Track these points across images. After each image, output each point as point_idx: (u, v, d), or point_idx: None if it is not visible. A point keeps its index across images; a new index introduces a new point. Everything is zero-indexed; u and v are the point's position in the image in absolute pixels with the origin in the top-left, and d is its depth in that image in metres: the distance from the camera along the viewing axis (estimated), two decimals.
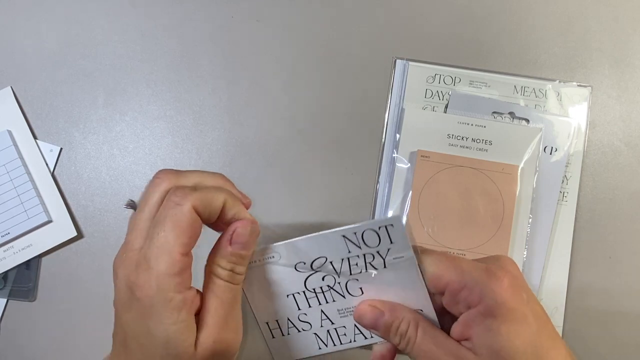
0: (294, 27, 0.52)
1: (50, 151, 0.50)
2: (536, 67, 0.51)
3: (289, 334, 0.34)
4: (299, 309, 0.34)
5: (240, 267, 0.31)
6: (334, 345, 0.34)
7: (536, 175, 0.48)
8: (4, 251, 0.48)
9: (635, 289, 0.48)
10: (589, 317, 0.48)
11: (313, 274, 0.32)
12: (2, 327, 0.49)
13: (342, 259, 0.32)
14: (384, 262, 0.31)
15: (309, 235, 0.32)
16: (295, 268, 0.32)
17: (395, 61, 0.51)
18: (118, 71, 0.51)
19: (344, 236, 0.31)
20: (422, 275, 0.31)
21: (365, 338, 0.34)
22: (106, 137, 0.51)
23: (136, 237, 0.30)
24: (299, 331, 0.34)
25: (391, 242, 0.30)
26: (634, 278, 0.48)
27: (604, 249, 0.48)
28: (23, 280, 0.49)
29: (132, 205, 0.31)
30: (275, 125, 0.51)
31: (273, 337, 0.34)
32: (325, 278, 0.32)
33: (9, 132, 0.50)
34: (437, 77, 0.50)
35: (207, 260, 0.32)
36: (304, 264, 0.32)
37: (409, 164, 0.49)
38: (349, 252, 0.31)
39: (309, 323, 0.34)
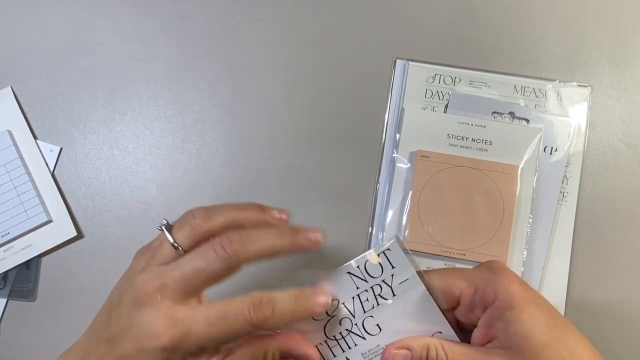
0: (294, 27, 0.52)
1: (50, 151, 0.50)
2: (536, 67, 0.51)
3: None
4: (324, 359, 0.34)
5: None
6: None
7: (536, 175, 0.48)
8: (4, 251, 0.49)
9: (635, 289, 0.48)
10: (589, 317, 0.48)
11: (330, 319, 0.33)
12: (2, 327, 0.49)
13: (353, 297, 0.32)
14: (392, 290, 0.32)
15: (317, 283, 0.32)
16: (313, 317, 0.33)
17: (395, 61, 0.51)
18: (118, 71, 0.51)
19: (348, 273, 0.32)
20: (432, 296, 0.32)
21: None
22: (106, 137, 0.51)
23: (170, 284, 0.30)
24: None
25: (392, 267, 0.31)
26: (634, 278, 0.48)
27: (604, 249, 0.48)
28: (23, 280, 0.49)
29: (167, 227, 0.31)
30: (275, 125, 0.51)
31: None
32: (342, 322, 0.33)
33: (9, 132, 0.50)
34: (437, 77, 0.50)
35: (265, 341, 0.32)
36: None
37: (409, 164, 0.49)
38: (357, 288, 0.32)
39: None
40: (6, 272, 0.49)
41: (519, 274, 0.47)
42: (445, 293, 0.32)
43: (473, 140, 0.48)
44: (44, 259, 0.49)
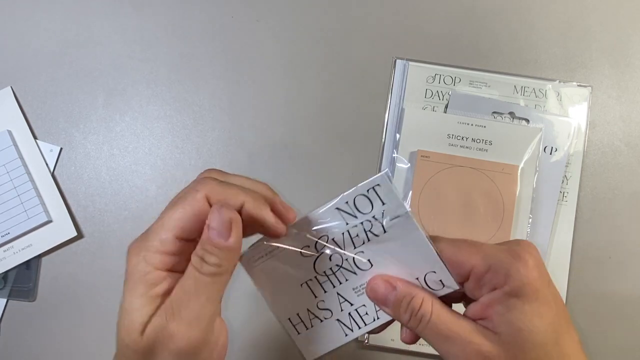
0: (293, 27, 0.52)
1: (50, 151, 0.50)
2: (536, 67, 0.51)
3: (312, 326, 0.33)
4: (316, 297, 0.33)
5: (212, 257, 0.28)
6: (359, 328, 0.33)
7: (536, 175, 0.48)
8: (4, 251, 0.48)
9: (635, 289, 0.48)
10: (589, 317, 0.48)
11: (320, 255, 0.32)
12: (2, 327, 0.49)
13: (343, 233, 0.31)
14: (383, 226, 0.30)
15: (304, 216, 0.31)
16: (301, 254, 0.32)
17: (395, 61, 0.51)
18: (118, 71, 0.51)
19: (337, 208, 0.31)
20: (425, 234, 0.30)
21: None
22: (106, 137, 0.51)
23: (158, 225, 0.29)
24: (321, 321, 0.33)
25: (383, 203, 0.30)
26: (634, 278, 0.48)
27: (604, 249, 0.48)
28: (23, 280, 0.49)
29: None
30: (275, 125, 0.51)
31: (298, 332, 0.33)
32: (332, 257, 0.32)
33: (9, 132, 0.50)
34: (437, 77, 0.50)
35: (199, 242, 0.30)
36: (308, 247, 0.32)
37: (409, 164, 0.49)
38: (347, 224, 0.31)
39: (329, 310, 0.33)
40: (6, 272, 0.49)
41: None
42: (456, 265, 0.30)
43: (473, 140, 0.48)
44: (44, 259, 0.49)
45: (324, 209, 0.31)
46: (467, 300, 0.32)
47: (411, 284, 0.31)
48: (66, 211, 0.49)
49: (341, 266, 0.32)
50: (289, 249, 0.32)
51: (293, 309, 0.33)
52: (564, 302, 0.47)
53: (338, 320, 0.33)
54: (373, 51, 0.51)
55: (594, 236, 0.49)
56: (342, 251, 0.32)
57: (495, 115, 0.49)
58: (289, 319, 0.33)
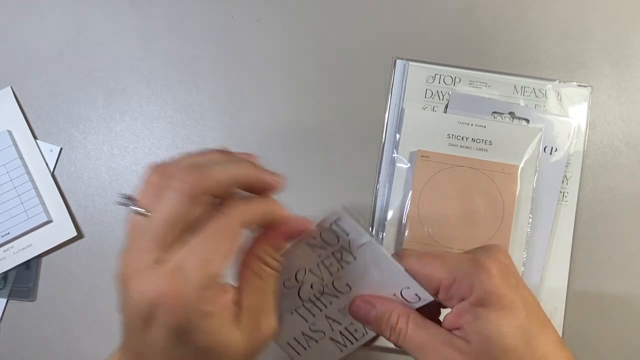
0: (293, 27, 0.52)
1: (50, 151, 0.50)
2: (536, 67, 0.51)
3: (309, 347, 0.35)
4: (307, 321, 0.35)
5: (277, 255, 0.31)
6: (352, 343, 0.35)
7: (536, 175, 0.48)
8: (4, 251, 0.49)
9: (635, 289, 0.48)
10: (589, 317, 0.48)
11: (302, 286, 0.34)
12: (2, 327, 0.49)
13: (318, 264, 0.33)
14: (352, 254, 0.32)
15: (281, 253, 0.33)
16: (284, 286, 0.33)
17: (395, 61, 0.51)
18: (118, 71, 0.51)
19: (307, 244, 0.32)
20: (391, 257, 0.32)
21: None
22: (106, 137, 0.51)
23: (150, 245, 0.26)
24: (317, 341, 0.35)
25: (347, 234, 0.31)
26: (634, 278, 0.48)
27: (604, 249, 0.48)
28: (23, 280, 0.49)
29: (130, 201, 0.27)
30: (275, 125, 0.51)
31: (298, 354, 0.36)
32: (313, 286, 0.33)
33: (9, 132, 0.50)
34: (437, 77, 0.50)
35: (253, 250, 0.30)
36: (289, 280, 0.33)
37: (409, 164, 0.49)
38: (319, 256, 0.33)
39: (322, 331, 0.35)
40: (6, 272, 0.49)
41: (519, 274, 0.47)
42: (425, 279, 0.31)
43: (473, 140, 0.48)
44: (44, 259, 0.49)
45: (294, 244, 0.33)
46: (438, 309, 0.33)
47: (389, 301, 0.33)
48: (66, 211, 0.49)
49: (323, 292, 0.34)
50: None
51: (290, 334, 0.35)
52: (564, 302, 0.47)
53: (331, 339, 0.35)
54: (373, 51, 0.51)
55: (594, 236, 0.49)
56: (321, 279, 0.33)
57: (495, 115, 0.49)
58: (288, 343, 0.35)
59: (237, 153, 0.31)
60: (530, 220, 0.48)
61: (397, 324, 0.32)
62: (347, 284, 0.33)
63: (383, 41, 0.51)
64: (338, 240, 0.32)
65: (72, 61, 0.52)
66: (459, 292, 0.30)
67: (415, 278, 0.32)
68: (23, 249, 0.49)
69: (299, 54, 0.51)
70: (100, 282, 0.49)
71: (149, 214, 0.26)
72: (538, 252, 0.48)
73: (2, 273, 0.49)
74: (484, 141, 0.48)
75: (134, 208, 0.27)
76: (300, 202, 0.50)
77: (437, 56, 0.51)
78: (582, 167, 0.49)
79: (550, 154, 0.49)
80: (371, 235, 0.32)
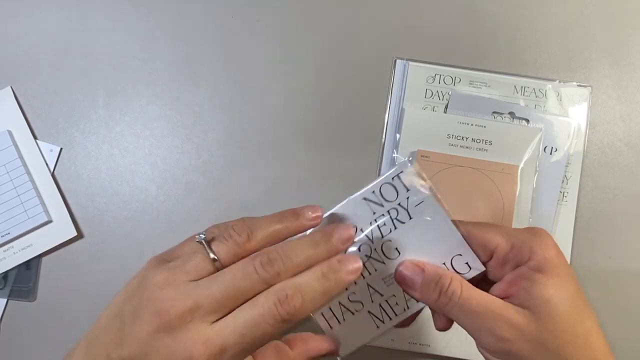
0: (293, 27, 0.52)
1: (50, 151, 0.50)
2: (536, 67, 0.51)
3: (344, 319, 0.33)
4: (347, 289, 0.33)
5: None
6: (390, 319, 0.33)
7: (536, 175, 0.48)
8: (4, 251, 0.48)
9: (635, 289, 0.48)
10: None
11: (349, 248, 0.32)
12: (2, 327, 0.49)
13: (370, 223, 0.32)
14: (408, 212, 0.32)
15: (334, 208, 0.32)
16: None
17: (395, 61, 0.51)
18: (118, 71, 0.52)
19: (364, 198, 0.32)
20: (449, 216, 0.31)
21: (418, 301, 0.33)
22: (106, 137, 0.51)
23: (209, 302, 0.27)
24: (353, 314, 0.33)
25: (407, 190, 0.31)
26: (634, 278, 0.48)
27: (604, 249, 0.48)
28: (23, 280, 0.49)
29: (207, 244, 0.29)
30: (275, 125, 0.51)
31: (331, 327, 0.33)
32: (361, 248, 0.32)
33: (9, 132, 0.50)
34: (437, 77, 0.50)
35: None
36: None
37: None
38: (374, 213, 0.32)
39: (360, 302, 0.33)
40: (6, 272, 0.49)
41: None
42: (480, 245, 0.32)
43: (473, 140, 0.48)
44: (44, 259, 0.49)
45: (352, 199, 0.32)
46: (487, 284, 0.32)
47: (438, 267, 0.32)
48: (66, 211, 0.49)
49: (370, 256, 0.33)
50: None
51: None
52: None
53: (369, 312, 0.33)
54: (373, 51, 0.51)
55: (594, 236, 0.49)
56: (370, 241, 0.32)
57: (495, 115, 0.49)
58: (322, 313, 0.33)
59: (306, 213, 0.31)
60: (530, 220, 0.48)
61: (449, 285, 0.31)
62: (396, 249, 0.32)
63: (383, 41, 0.51)
64: (397, 197, 0.31)
65: (72, 61, 0.52)
66: (516, 258, 0.30)
67: (470, 245, 0.31)
68: (23, 249, 0.49)
69: (298, 54, 0.51)
70: (100, 282, 0.49)
71: (219, 265, 0.28)
72: None
73: (2, 273, 0.49)
74: (484, 141, 0.48)
75: (211, 254, 0.28)
76: (300, 202, 0.50)
77: (437, 56, 0.51)
78: (582, 167, 0.49)
79: (550, 154, 0.49)
80: (432, 192, 0.31)
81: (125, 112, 0.51)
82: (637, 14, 0.51)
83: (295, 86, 0.51)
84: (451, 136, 0.49)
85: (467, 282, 0.31)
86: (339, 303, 0.33)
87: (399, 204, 0.31)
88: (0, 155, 0.49)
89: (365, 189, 0.32)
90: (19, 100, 0.51)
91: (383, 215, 0.32)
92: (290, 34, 0.52)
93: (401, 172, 0.31)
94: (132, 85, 0.51)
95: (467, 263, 0.31)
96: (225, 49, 0.52)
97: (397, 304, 0.33)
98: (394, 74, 0.51)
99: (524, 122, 0.49)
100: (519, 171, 0.48)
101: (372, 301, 0.33)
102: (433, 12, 0.52)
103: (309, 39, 0.52)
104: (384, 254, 0.32)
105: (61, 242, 0.49)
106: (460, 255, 0.31)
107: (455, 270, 0.32)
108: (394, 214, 0.32)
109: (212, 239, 0.29)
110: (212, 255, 0.28)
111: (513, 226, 0.47)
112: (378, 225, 0.32)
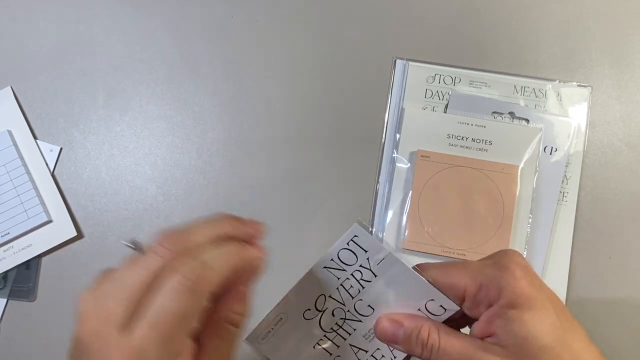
0: (293, 27, 0.52)
1: (50, 151, 0.50)
2: (536, 67, 0.51)
3: None
4: (331, 354, 0.33)
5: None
6: None
7: (536, 175, 0.48)
8: (4, 251, 0.48)
9: (635, 289, 0.48)
10: (589, 317, 0.48)
11: (322, 314, 0.33)
12: (2, 327, 0.49)
13: (337, 288, 0.32)
14: (372, 271, 0.32)
15: (295, 285, 0.32)
16: (304, 317, 0.33)
17: (395, 61, 0.51)
18: (118, 71, 0.52)
19: (325, 267, 0.32)
20: (412, 268, 0.31)
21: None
22: (106, 137, 0.51)
23: (121, 306, 0.27)
24: None
25: (365, 251, 0.31)
26: (634, 278, 0.48)
27: (604, 249, 0.48)
28: (23, 280, 0.49)
29: (136, 246, 0.29)
30: (275, 125, 0.51)
31: None
32: (334, 312, 0.33)
33: (9, 132, 0.50)
34: (437, 77, 0.50)
35: (217, 314, 0.29)
36: (309, 309, 0.33)
37: (409, 164, 0.49)
38: (338, 279, 0.32)
39: None
40: (6, 272, 0.49)
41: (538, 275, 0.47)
42: (449, 289, 0.31)
43: (473, 140, 0.48)
44: (44, 259, 0.49)
45: (311, 270, 0.32)
46: (469, 320, 0.32)
47: (416, 317, 0.32)
48: (66, 211, 0.49)
49: (345, 318, 0.33)
50: (292, 316, 0.33)
51: None
52: (564, 302, 0.47)
53: None
54: (373, 51, 0.51)
55: (594, 236, 0.49)
56: (341, 304, 0.33)
57: (495, 115, 0.49)
58: None
59: (246, 222, 0.31)
60: (530, 220, 0.48)
61: (428, 338, 0.31)
62: (369, 306, 0.32)
63: (383, 41, 0.51)
64: (357, 260, 0.31)
65: (72, 61, 0.52)
66: (487, 298, 0.30)
67: (439, 288, 0.31)
68: (23, 249, 0.49)
69: (298, 54, 0.51)
70: None
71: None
72: (538, 252, 0.48)
73: (2, 273, 0.49)
74: (484, 141, 0.48)
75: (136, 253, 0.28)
76: (300, 202, 0.50)
77: (437, 56, 0.51)
78: (582, 167, 0.49)
79: (550, 154, 0.49)
80: (389, 249, 0.31)
81: (125, 112, 0.51)
82: (637, 14, 0.51)
83: (295, 86, 0.51)
84: (451, 136, 0.48)
85: (444, 328, 0.31)
86: None
87: (361, 266, 0.32)
88: (0, 155, 0.49)
89: (322, 257, 0.32)
90: (19, 100, 0.51)
91: (348, 279, 0.32)
92: (290, 34, 0.52)
93: (355, 235, 0.31)
94: (132, 85, 0.51)
95: (441, 306, 0.31)
96: (225, 49, 0.52)
97: (383, 356, 0.33)
98: (394, 74, 0.51)
99: (524, 122, 0.49)
100: (519, 171, 0.48)
101: (359, 359, 0.33)
102: (433, 12, 0.52)
103: (308, 39, 0.52)
104: (358, 312, 0.33)
105: (61, 242, 0.49)
106: (433, 299, 0.31)
107: (431, 314, 0.32)
108: (357, 275, 0.32)
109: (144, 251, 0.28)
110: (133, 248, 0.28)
111: (513, 226, 0.47)
112: (345, 289, 0.32)
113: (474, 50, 0.51)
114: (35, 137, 0.50)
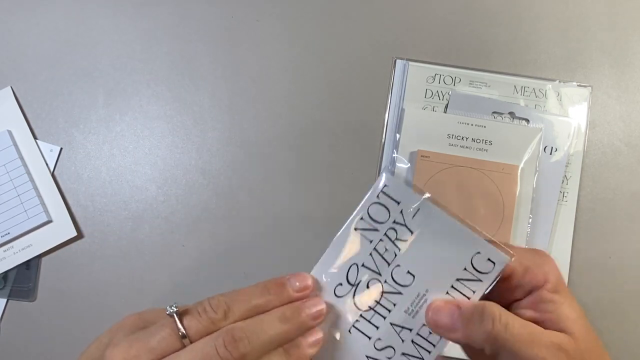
0: (293, 27, 0.52)
1: (50, 151, 0.50)
2: (536, 67, 0.51)
3: None
4: (370, 338, 0.29)
5: None
6: (429, 352, 0.29)
7: (536, 175, 0.48)
8: (4, 251, 0.48)
9: (635, 289, 0.48)
10: (589, 317, 0.48)
11: (356, 289, 0.29)
12: (2, 327, 0.49)
13: (370, 254, 0.29)
14: (407, 227, 0.28)
15: (324, 253, 0.29)
16: (336, 295, 0.29)
17: (395, 61, 0.51)
18: (118, 71, 0.51)
19: (355, 229, 0.28)
20: (452, 215, 0.28)
21: (459, 343, 0.29)
22: (106, 137, 0.51)
23: None
24: None
25: (398, 203, 0.28)
26: (634, 278, 0.48)
27: (604, 249, 0.48)
28: (23, 280, 0.49)
29: (177, 315, 0.27)
30: (275, 125, 0.51)
31: None
32: (369, 285, 0.29)
33: (9, 132, 0.50)
34: (437, 77, 0.50)
35: None
36: (341, 284, 0.29)
37: (409, 164, 0.49)
38: (371, 241, 0.28)
39: (390, 347, 0.29)
40: (6, 272, 0.49)
41: None
42: None
43: (473, 140, 0.48)
44: (44, 259, 0.49)
45: (340, 234, 0.28)
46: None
47: (473, 303, 0.29)
48: (66, 211, 0.49)
49: (383, 291, 0.29)
50: (323, 295, 0.29)
51: None
52: None
53: (403, 354, 0.29)
54: (373, 51, 0.51)
55: (594, 236, 0.49)
56: (377, 274, 0.29)
57: (495, 115, 0.49)
58: None
59: (293, 283, 0.29)
60: (530, 220, 0.48)
61: (499, 315, 0.28)
62: (409, 272, 0.28)
63: (383, 41, 0.51)
64: (389, 215, 0.28)
65: (72, 61, 0.52)
66: (532, 281, 0.29)
67: (485, 237, 0.27)
68: (23, 249, 0.49)
69: (298, 54, 0.51)
70: (100, 282, 0.49)
71: (186, 340, 0.27)
72: None
73: (2, 273, 0.49)
74: (484, 141, 0.48)
75: (181, 329, 0.27)
76: (300, 202, 0.50)
77: (437, 56, 0.51)
78: (582, 167, 0.49)
79: (550, 154, 0.49)
80: (426, 195, 0.27)
81: (125, 112, 0.51)
82: (637, 14, 0.51)
83: (295, 86, 0.51)
84: (451, 136, 0.48)
85: (507, 313, 0.29)
86: (366, 357, 0.29)
87: (394, 222, 0.28)
88: (0, 155, 0.49)
89: (351, 217, 0.28)
90: (19, 100, 0.51)
91: (381, 240, 0.28)
92: (290, 34, 0.52)
93: (385, 185, 0.27)
94: (132, 85, 0.51)
95: (489, 259, 0.28)
96: (225, 49, 0.51)
97: (430, 333, 0.29)
98: (394, 74, 0.51)
99: (524, 122, 0.49)
100: (519, 171, 0.48)
101: (403, 341, 0.29)
102: (433, 12, 0.52)
103: (308, 39, 0.52)
104: (397, 283, 0.29)
105: (61, 242, 0.49)
106: (479, 252, 0.28)
107: (479, 272, 0.28)
108: (392, 234, 0.28)
109: (185, 312, 0.27)
110: (181, 331, 0.26)
111: (513, 226, 0.47)
112: (380, 254, 0.28)
113: (474, 50, 0.51)
114: (35, 137, 0.50)
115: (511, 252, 0.28)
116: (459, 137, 0.48)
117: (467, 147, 0.48)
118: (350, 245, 0.28)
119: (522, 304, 0.30)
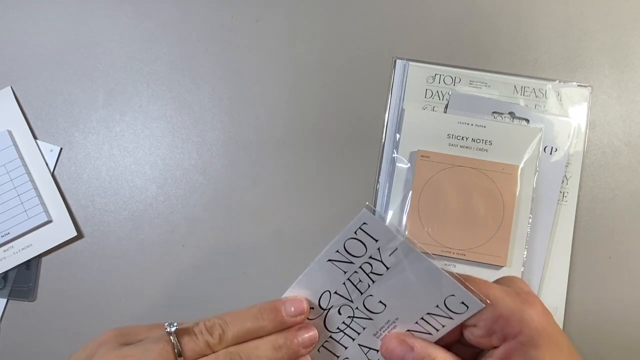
0: (293, 27, 0.52)
1: (50, 151, 0.50)
2: (536, 67, 0.51)
3: None
4: (338, 356, 0.31)
5: None
6: None
7: (536, 175, 0.48)
8: (4, 251, 0.49)
9: (635, 289, 0.48)
10: (589, 317, 0.48)
11: (327, 312, 0.30)
12: (2, 327, 0.49)
13: (344, 282, 0.29)
14: (383, 264, 0.28)
15: (296, 282, 0.30)
16: (307, 317, 0.30)
17: (395, 61, 0.51)
18: (118, 71, 0.51)
19: (329, 260, 0.29)
20: (430, 258, 0.28)
21: None
22: (106, 137, 0.51)
23: None
24: None
25: (375, 240, 0.28)
26: (634, 278, 0.48)
27: (604, 249, 0.48)
28: (23, 280, 0.49)
29: (175, 335, 0.28)
30: (275, 125, 0.51)
31: None
32: (341, 310, 0.30)
33: (9, 132, 0.50)
34: (437, 77, 0.50)
35: None
36: (312, 309, 0.30)
37: (409, 164, 0.49)
38: (345, 272, 0.29)
39: None
40: (6, 272, 0.49)
41: (519, 274, 0.47)
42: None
43: (473, 140, 0.48)
44: (44, 259, 0.49)
45: (315, 264, 0.29)
46: (467, 351, 0.30)
47: (429, 344, 0.29)
48: (66, 211, 0.49)
49: (354, 316, 0.30)
50: None
51: None
52: (564, 302, 0.47)
53: None
54: (373, 51, 0.51)
55: (594, 236, 0.49)
56: (349, 301, 0.29)
57: (495, 115, 0.49)
58: None
59: (288, 309, 0.30)
60: (530, 220, 0.48)
61: None
62: (380, 302, 0.29)
63: (383, 41, 0.51)
64: (366, 250, 0.28)
65: (72, 61, 0.52)
66: (504, 330, 0.28)
67: (461, 282, 0.27)
68: (23, 249, 0.49)
69: (298, 54, 0.51)
70: (100, 282, 0.49)
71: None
72: (538, 252, 0.48)
73: (2, 273, 0.49)
74: (484, 141, 0.48)
75: (177, 344, 0.28)
76: (300, 202, 0.50)
77: (437, 56, 0.51)
78: (582, 167, 0.49)
79: (550, 154, 0.49)
80: (403, 235, 0.28)
81: (125, 112, 0.51)
82: (637, 14, 0.51)
83: (295, 86, 0.51)
84: (451, 136, 0.49)
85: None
86: None
87: (371, 257, 0.28)
88: (0, 155, 0.49)
89: (326, 249, 0.28)
90: (19, 100, 0.51)
91: (356, 272, 0.28)
92: (290, 34, 0.52)
93: (364, 223, 0.27)
94: (132, 85, 0.51)
95: (463, 302, 0.28)
96: (225, 49, 0.52)
97: None
98: (394, 74, 0.51)
99: (524, 122, 0.49)
100: (519, 171, 0.48)
101: None
102: (433, 12, 0.52)
103: (308, 39, 0.52)
104: (368, 310, 0.29)
105: (61, 242, 0.49)
106: (454, 295, 0.28)
107: (451, 311, 0.28)
108: (367, 268, 0.28)
109: (182, 332, 0.28)
110: (177, 348, 0.28)
111: (513, 227, 0.47)
112: (353, 284, 0.29)
113: (474, 50, 0.51)
114: (35, 137, 0.50)
115: (487, 300, 0.28)
116: (459, 137, 0.48)
117: (467, 147, 0.48)
118: (324, 276, 0.29)
119: (497, 353, 0.28)
